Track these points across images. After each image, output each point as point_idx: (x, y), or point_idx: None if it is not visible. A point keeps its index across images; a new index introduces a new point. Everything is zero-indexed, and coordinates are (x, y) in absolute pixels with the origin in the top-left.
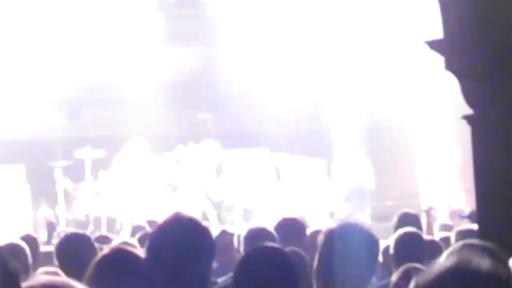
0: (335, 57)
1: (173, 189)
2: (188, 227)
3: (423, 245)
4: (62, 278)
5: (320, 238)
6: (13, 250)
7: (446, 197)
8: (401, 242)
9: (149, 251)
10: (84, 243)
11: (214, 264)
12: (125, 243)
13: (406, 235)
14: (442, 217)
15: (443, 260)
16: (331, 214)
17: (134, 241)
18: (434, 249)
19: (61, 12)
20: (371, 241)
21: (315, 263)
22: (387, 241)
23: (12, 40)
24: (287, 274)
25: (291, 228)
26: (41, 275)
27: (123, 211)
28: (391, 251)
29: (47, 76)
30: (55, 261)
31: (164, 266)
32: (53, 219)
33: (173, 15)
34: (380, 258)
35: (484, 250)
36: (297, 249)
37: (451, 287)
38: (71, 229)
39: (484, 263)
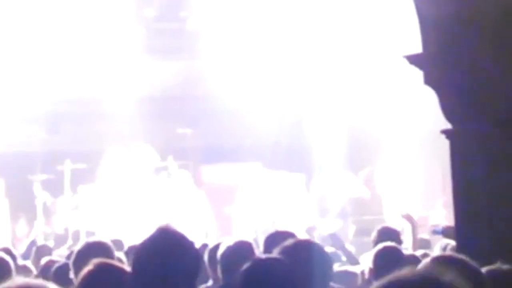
0: (317, 71)
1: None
2: (174, 241)
3: (403, 260)
4: (38, 280)
5: (275, 254)
6: None
7: (425, 212)
8: (380, 256)
9: (134, 264)
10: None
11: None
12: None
13: (385, 249)
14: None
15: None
16: (310, 229)
17: (121, 255)
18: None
19: (41, 27)
20: (325, 257)
21: None
22: (367, 255)
23: None
24: (292, 286)
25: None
26: (18, 277)
27: (102, 225)
28: (370, 265)
29: (27, 90)
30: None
31: (149, 280)
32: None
33: (153, 30)
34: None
35: (457, 263)
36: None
37: None
38: (51, 243)
39: (447, 275)
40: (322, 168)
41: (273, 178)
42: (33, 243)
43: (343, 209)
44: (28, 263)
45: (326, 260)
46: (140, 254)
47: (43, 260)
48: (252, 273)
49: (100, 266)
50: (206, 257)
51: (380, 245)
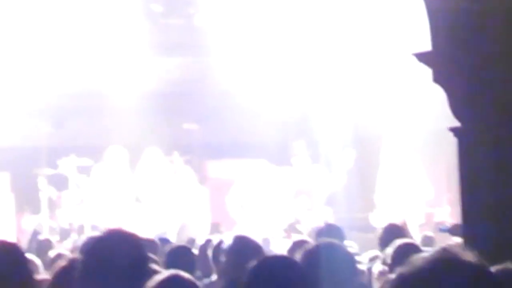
0: (324, 67)
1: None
2: (120, 241)
3: None
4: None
5: (299, 257)
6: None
7: (429, 209)
8: (400, 252)
9: (82, 264)
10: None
11: (198, 272)
12: None
13: (405, 246)
14: (419, 229)
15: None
16: (293, 224)
17: None
18: None
19: (47, 21)
20: (349, 258)
21: None
22: (371, 252)
23: None
24: (301, 285)
25: (332, 235)
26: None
27: (107, 219)
28: (388, 261)
29: (33, 84)
30: None
31: (96, 280)
32: (36, 227)
33: (160, 25)
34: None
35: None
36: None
37: (435, 277)
38: (55, 237)
39: (470, 256)
40: (301, 162)
41: (280, 174)
42: (35, 233)
43: (329, 198)
44: (34, 257)
45: (350, 261)
46: (87, 255)
47: (52, 253)
48: (260, 271)
49: (73, 261)
50: (210, 252)
51: (400, 241)
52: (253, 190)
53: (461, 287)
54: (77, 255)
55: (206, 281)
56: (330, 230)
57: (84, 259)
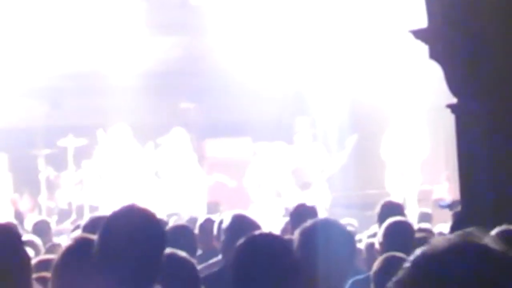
0: (320, 46)
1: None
2: (139, 218)
3: (413, 235)
4: None
5: (297, 236)
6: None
7: (428, 186)
8: (391, 230)
9: (100, 241)
10: None
11: (198, 251)
12: None
13: (396, 224)
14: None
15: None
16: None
17: None
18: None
19: (44, 2)
20: (348, 236)
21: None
22: (370, 230)
23: None
24: (288, 262)
25: (305, 214)
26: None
27: (106, 199)
28: (380, 239)
29: (29, 64)
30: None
31: (114, 256)
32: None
33: (156, 4)
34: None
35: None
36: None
37: (456, 263)
38: (54, 218)
39: (497, 244)
40: (300, 140)
41: (276, 152)
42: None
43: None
44: (35, 238)
45: (349, 239)
46: (105, 231)
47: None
48: (245, 249)
49: (79, 241)
50: (215, 231)
51: (391, 220)
52: (264, 169)
53: (476, 272)
54: (81, 235)
55: (213, 260)
56: (305, 210)
57: (102, 237)
